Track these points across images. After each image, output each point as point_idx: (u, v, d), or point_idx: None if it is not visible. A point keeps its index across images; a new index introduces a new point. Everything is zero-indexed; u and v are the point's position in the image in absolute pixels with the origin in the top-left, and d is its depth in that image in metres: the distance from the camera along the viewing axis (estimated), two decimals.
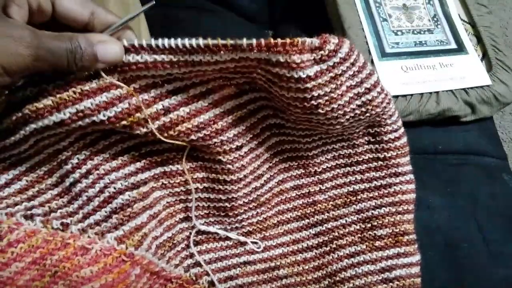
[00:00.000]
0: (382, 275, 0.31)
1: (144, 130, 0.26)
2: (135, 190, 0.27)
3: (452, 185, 0.39)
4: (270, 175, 0.31)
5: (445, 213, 0.38)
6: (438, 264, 0.35)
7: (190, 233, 0.30)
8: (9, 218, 0.24)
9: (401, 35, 0.45)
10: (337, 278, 0.31)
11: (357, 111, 0.27)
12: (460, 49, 0.45)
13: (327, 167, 0.32)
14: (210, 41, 0.23)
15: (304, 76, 0.24)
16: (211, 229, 0.30)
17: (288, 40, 0.23)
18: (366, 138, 0.31)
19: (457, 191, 0.39)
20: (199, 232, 0.30)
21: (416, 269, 0.31)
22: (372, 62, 0.42)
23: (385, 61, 0.43)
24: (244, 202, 0.30)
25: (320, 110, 0.26)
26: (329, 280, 0.31)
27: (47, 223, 0.25)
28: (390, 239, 0.31)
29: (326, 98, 0.25)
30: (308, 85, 0.24)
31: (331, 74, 0.25)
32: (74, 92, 0.23)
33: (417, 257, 0.31)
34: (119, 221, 0.27)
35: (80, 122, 0.24)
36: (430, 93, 0.41)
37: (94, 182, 0.27)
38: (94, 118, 0.24)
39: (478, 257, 0.36)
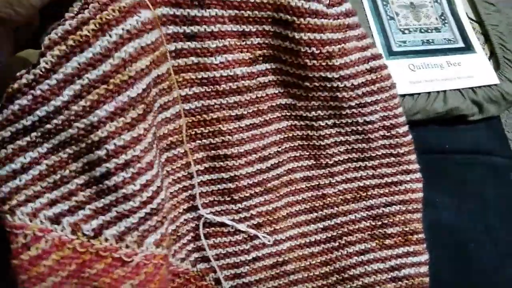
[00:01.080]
0: (391, 273, 0.31)
1: (165, 67, 0.25)
2: (164, 186, 0.26)
3: (460, 184, 0.39)
4: (279, 161, 0.30)
5: (452, 213, 0.37)
6: (445, 264, 0.35)
7: (197, 225, 0.29)
8: (32, 221, 0.22)
9: (408, 34, 0.45)
10: (346, 275, 0.31)
11: (367, 77, 0.28)
12: (468, 47, 0.45)
13: (339, 160, 0.31)
14: None
15: (319, 8, 0.25)
16: (219, 218, 0.29)
17: None
18: (381, 132, 0.30)
19: (464, 191, 0.39)
20: (205, 225, 0.30)
21: (424, 269, 0.31)
22: None
23: (392, 60, 0.42)
24: (248, 183, 0.29)
25: (334, 61, 0.27)
26: (337, 276, 0.31)
27: (76, 228, 0.23)
28: (400, 237, 0.31)
29: (339, 46, 0.27)
30: (324, 22, 0.25)
31: (340, 21, 0.26)
32: (113, 10, 0.21)
33: (425, 256, 0.31)
34: (158, 224, 0.24)
35: (127, 48, 0.22)
36: (438, 92, 0.41)
37: (134, 178, 0.23)
38: (139, 41, 0.22)
39: (485, 257, 0.36)
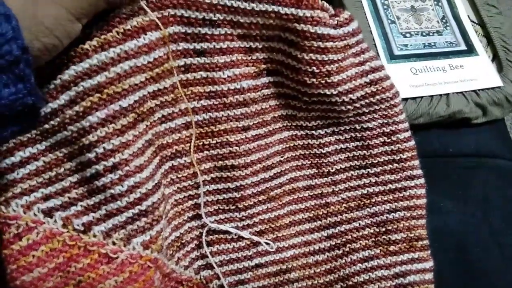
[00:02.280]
0: (396, 280, 0.30)
1: (169, 82, 0.26)
2: (160, 191, 0.26)
3: (464, 188, 0.39)
4: (281, 170, 0.31)
5: (457, 217, 0.37)
6: (450, 269, 0.35)
7: (201, 233, 0.30)
8: (26, 212, 0.23)
9: (409, 37, 0.45)
10: (350, 283, 0.31)
11: (367, 90, 0.29)
12: (470, 50, 0.45)
13: (340, 168, 0.31)
14: None
15: (326, 32, 0.26)
16: (223, 227, 0.30)
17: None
18: (381, 139, 0.31)
19: (469, 195, 0.38)
20: (209, 232, 0.30)
21: (429, 275, 0.31)
22: None
23: (394, 64, 0.42)
24: (252, 192, 0.30)
25: (332, 78, 0.27)
26: (342, 284, 0.31)
27: (67, 222, 0.24)
28: (404, 244, 0.31)
29: (337, 65, 0.27)
30: (327, 44, 0.26)
31: (345, 42, 0.27)
32: (118, 33, 0.23)
33: (430, 263, 0.31)
34: (147, 225, 0.25)
35: (123, 65, 0.23)
36: (440, 95, 0.41)
37: (122, 179, 0.24)
38: (136, 60, 0.24)
39: (491, 262, 0.36)
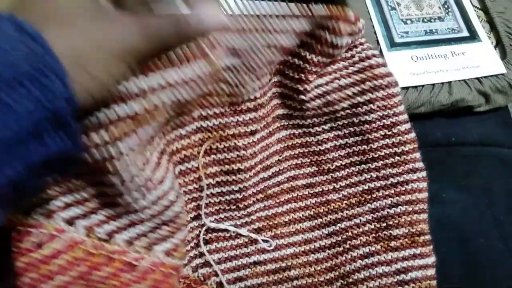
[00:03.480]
0: (398, 276, 0.30)
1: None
2: (181, 199, 0.26)
3: (467, 178, 0.38)
4: (280, 169, 0.31)
5: (460, 207, 0.36)
6: (453, 261, 0.34)
7: (200, 232, 0.30)
8: (48, 221, 0.22)
9: (410, 24, 0.43)
10: (351, 280, 0.30)
11: (356, 77, 0.29)
12: (473, 36, 0.44)
13: (341, 164, 0.31)
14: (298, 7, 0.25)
15: (340, 44, 0.26)
16: (221, 226, 0.30)
17: (341, 9, 0.26)
18: (381, 132, 0.30)
19: (472, 184, 0.38)
20: (208, 230, 0.30)
21: (431, 271, 0.30)
22: (381, 52, 0.41)
23: (394, 51, 0.41)
24: (252, 192, 0.30)
25: (324, 70, 0.28)
26: (342, 281, 0.30)
27: (89, 230, 0.23)
28: (406, 239, 0.30)
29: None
30: (336, 52, 0.27)
31: (348, 50, 0.28)
32: (161, 60, 0.21)
33: (432, 259, 0.30)
34: (169, 234, 0.25)
35: (163, 96, 0.21)
36: (442, 83, 0.40)
37: (144, 195, 0.23)
38: (176, 91, 0.22)
39: (494, 253, 0.35)
